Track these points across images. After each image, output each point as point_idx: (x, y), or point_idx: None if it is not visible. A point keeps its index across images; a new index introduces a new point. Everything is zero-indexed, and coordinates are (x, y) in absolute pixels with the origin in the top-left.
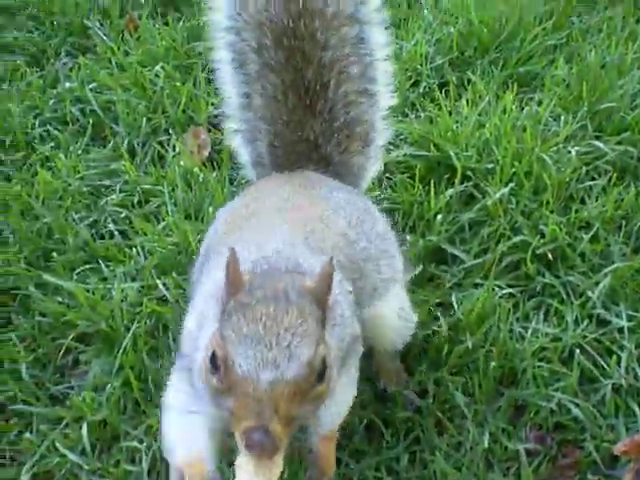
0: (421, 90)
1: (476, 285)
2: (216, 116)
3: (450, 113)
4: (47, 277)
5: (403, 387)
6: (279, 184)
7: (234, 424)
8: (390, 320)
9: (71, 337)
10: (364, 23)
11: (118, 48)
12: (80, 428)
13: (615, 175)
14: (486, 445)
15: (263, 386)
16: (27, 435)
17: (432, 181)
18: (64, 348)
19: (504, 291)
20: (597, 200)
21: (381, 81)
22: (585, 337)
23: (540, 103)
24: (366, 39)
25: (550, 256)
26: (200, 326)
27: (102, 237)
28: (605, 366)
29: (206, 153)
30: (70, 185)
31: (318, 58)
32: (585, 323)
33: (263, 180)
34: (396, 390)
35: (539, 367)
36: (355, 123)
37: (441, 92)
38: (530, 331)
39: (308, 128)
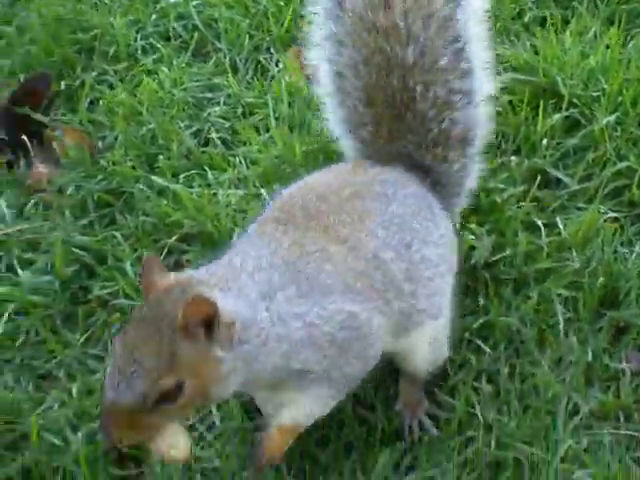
0: (525, 20)
1: (580, 209)
2: None
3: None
4: (154, 178)
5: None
6: (338, 184)
7: None
8: (421, 352)
9: (175, 238)
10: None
11: None
12: None
13: None
14: (589, 360)
15: (106, 404)
16: None
17: (539, 105)
18: (167, 248)
19: (608, 215)
20: None
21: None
22: None
23: None
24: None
25: None
26: None
27: (205, 145)
28: None
29: (309, 71)
30: (174, 95)
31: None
32: None
33: (334, 168)
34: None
35: None
36: (451, 129)
37: (545, 25)
38: (634, 255)
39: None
